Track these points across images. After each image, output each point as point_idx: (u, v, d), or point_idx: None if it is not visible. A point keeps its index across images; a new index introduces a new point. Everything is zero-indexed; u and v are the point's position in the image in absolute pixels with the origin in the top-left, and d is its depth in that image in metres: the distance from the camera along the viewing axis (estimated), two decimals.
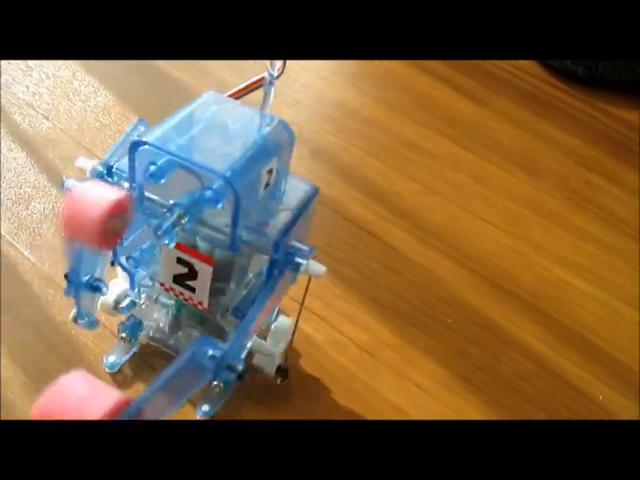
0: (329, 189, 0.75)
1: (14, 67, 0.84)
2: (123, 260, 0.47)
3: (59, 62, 0.86)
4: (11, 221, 0.64)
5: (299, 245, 0.44)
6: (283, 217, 0.44)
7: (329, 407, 0.55)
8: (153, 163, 0.39)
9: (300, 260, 0.43)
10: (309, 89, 0.92)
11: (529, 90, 0.99)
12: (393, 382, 0.58)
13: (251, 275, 0.49)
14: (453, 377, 0.59)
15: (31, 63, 0.85)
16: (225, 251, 0.44)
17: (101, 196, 0.37)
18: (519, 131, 0.91)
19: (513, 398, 0.59)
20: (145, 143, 0.40)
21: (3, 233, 0.63)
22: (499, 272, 0.70)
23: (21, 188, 0.68)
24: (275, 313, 0.54)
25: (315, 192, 0.47)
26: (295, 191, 0.46)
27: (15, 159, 0.71)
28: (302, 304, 0.48)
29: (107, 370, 0.54)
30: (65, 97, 0.81)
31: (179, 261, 0.45)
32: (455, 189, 0.79)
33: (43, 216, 0.66)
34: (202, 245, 0.45)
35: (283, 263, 0.43)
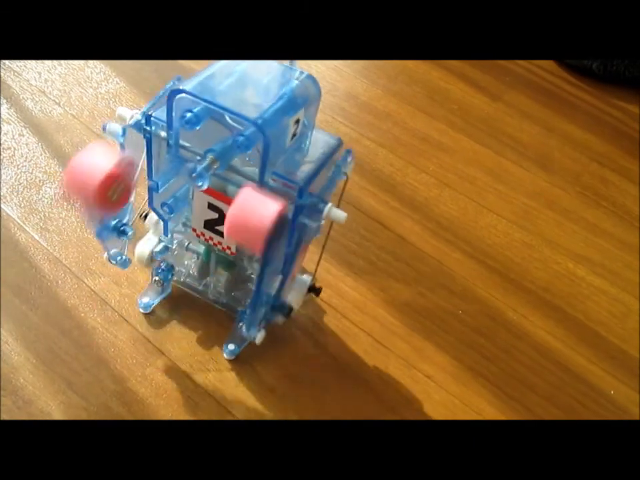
0: None
1: None
2: (158, 207, 0.49)
3: None
4: (22, 206, 0.64)
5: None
6: (307, 167, 0.46)
7: (339, 397, 0.55)
8: (189, 110, 0.41)
9: (321, 206, 0.45)
10: (320, 80, 0.91)
11: (543, 85, 0.99)
12: (402, 372, 0.57)
13: None
14: (463, 368, 0.59)
15: None
16: None
17: (97, 166, 0.40)
18: (533, 125, 0.90)
19: (524, 391, 0.58)
20: (182, 91, 0.41)
21: (14, 217, 0.63)
22: (511, 266, 0.69)
23: (32, 173, 0.68)
24: None
25: (338, 144, 0.49)
26: (319, 143, 0.49)
27: (27, 144, 0.71)
28: (320, 255, 0.50)
29: (141, 310, 0.57)
30: (77, 83, 0.81)
31: (210, 206, 0.48)
32: (468, 182, 0.79)
33: (53, 200, 0.65)
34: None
35: (308, 209, 0.45)
